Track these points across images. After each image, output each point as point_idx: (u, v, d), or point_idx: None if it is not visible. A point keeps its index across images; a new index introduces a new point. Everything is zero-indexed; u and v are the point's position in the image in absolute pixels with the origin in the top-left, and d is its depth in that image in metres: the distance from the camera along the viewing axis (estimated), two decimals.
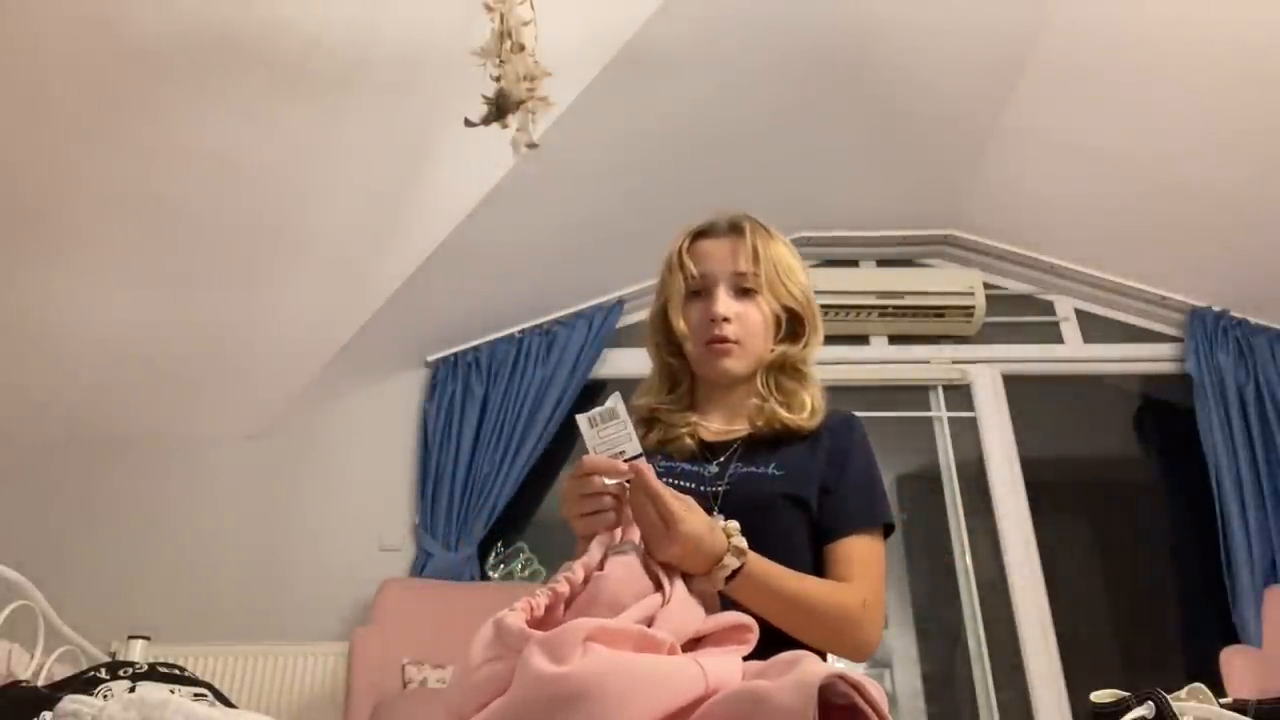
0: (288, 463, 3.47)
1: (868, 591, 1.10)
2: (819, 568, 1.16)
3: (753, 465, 1.16)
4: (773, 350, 1.23)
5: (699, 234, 1.27)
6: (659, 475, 1.16)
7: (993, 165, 3.46)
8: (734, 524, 1.02)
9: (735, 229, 1.24)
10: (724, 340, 1.19)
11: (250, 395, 3.38)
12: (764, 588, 1.02)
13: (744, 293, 1.21)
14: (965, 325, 3.74)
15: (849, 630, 1.07)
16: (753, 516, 1.10)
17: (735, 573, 0.99)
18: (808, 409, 1.20)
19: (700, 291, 1.23)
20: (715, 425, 1.23)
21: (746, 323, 1.20)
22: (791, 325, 1.24)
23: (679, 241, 1.27)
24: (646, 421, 1.25)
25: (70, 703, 0.93)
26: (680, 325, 1.23)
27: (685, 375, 1.28)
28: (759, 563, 1.02)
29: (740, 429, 1.21)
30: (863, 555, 1.14)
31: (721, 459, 1.18)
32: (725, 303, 1.19)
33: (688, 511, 0.96)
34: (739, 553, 0.99)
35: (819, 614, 1.06)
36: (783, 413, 1.18)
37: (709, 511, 1.10)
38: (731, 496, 1.13)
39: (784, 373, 1.23)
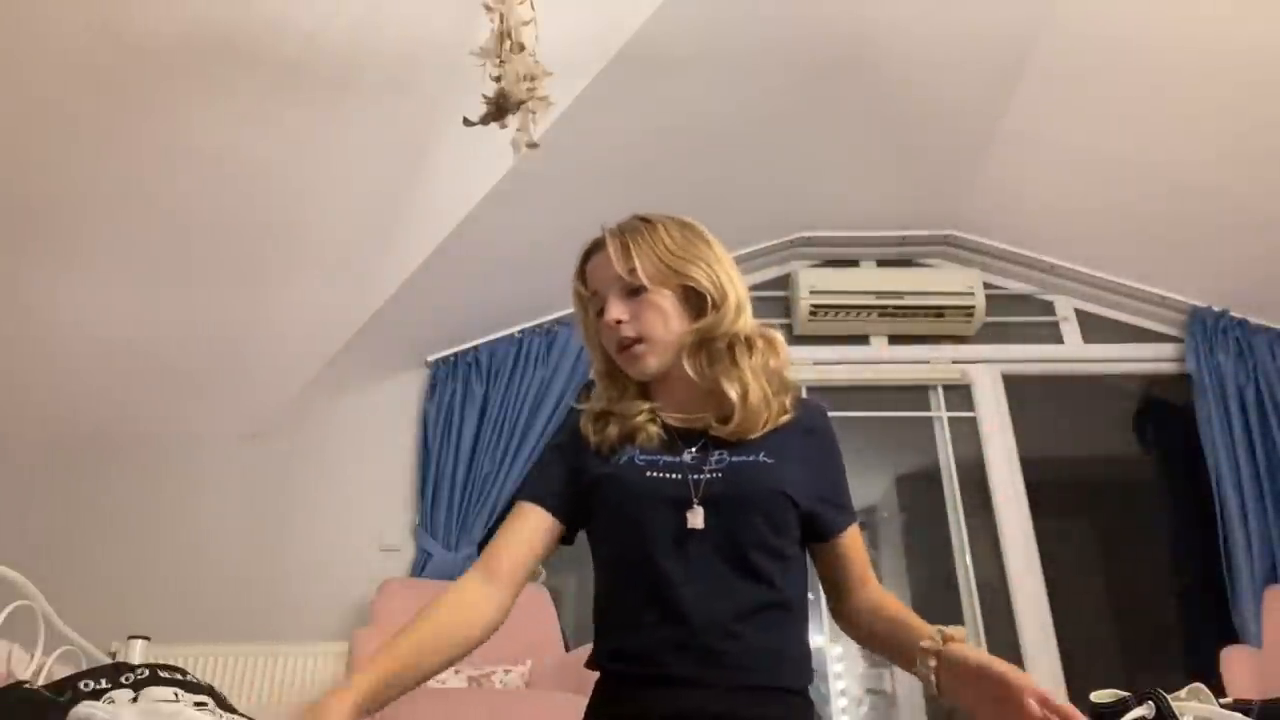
0: (287, 462, 3.47)
1: None
2: (813, 555, 1.21)
3: (739, 454, 1.15)
4: (683, 334, 1.20)
5: (585, 256, 1.29)
6: (635, 466, 1.16)
7: (993, 165, 3.46)
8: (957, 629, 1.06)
9: (610, 236, 1.24)
10: (629, 343, 1.19)
11: (250, 395, 3.38)
12: None
13: (633, 292, 1.20)
14: (965, 325, 3.74)
15: None
16: (749, 505, 1.11)
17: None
18: (741, 388, 1.17)
19: (601, 310, 1.24)
20: (675, 412, 1.22)
21: (642, 318, 1.19)
22: (700, 303, 1.21)
23: (575, 268, 1.30)
24: (599, 418, 1.23)
25: (84, 708, 0.93)
26: (590, 348, 1.29)
27: (624, 375, 1.27)
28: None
29: (701, 415, 1.19)
30: (864, 548, 1.23)
31: (694, 449, 1.17)
32: (615, 308, 1.20)
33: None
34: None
35: None
36: (734, 420, 1.16)
37: (688, 501, 1.10)
38: (722, 485, 1.12)
39: (709, 349, 1.19)
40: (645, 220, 1.25)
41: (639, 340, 1.19)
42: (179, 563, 3.24)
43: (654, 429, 1.19)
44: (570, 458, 1.23)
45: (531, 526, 1.19)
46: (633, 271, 1.19)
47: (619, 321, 1.19)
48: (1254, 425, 3.40)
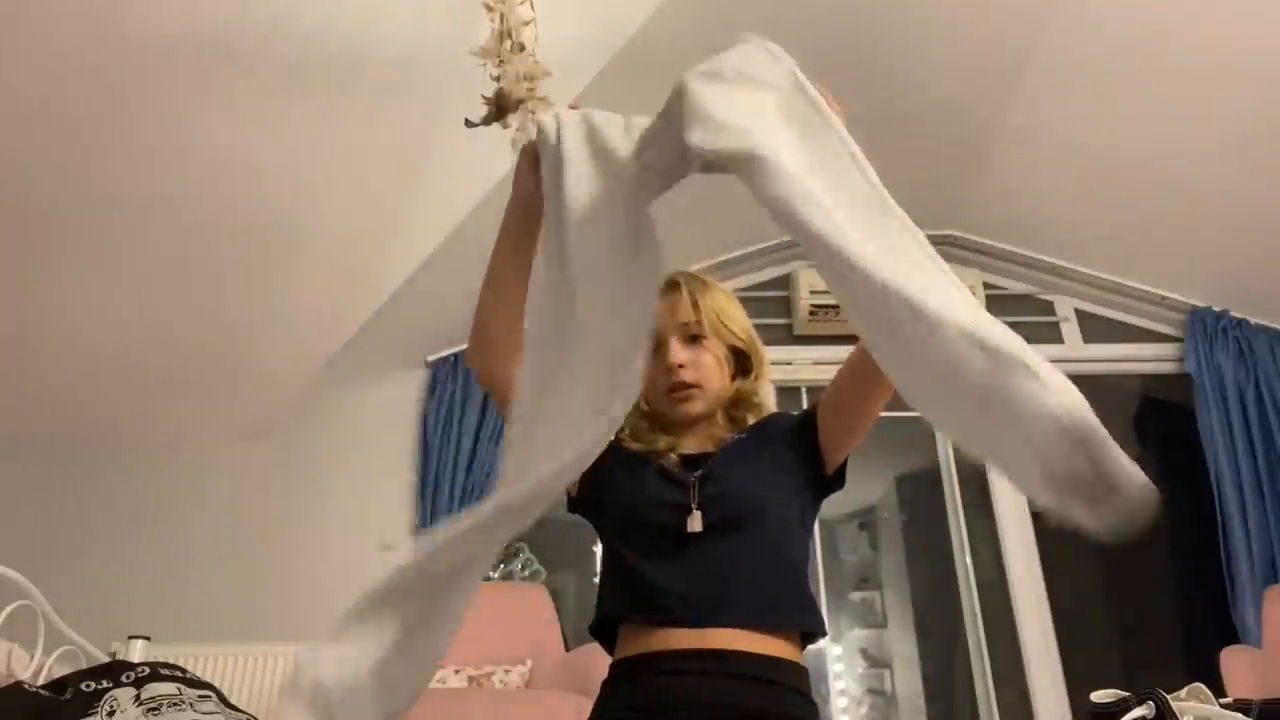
0: (288, 462, 3.47)
1: None
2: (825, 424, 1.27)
3: (736, 461, 1.24)
4: (727, 388, 1.32)
5: None
6: (645, 468, 1.25)
7: (993, 165, 3.46)
8: None
9: (673, 286, 1.33)
10: (684, 386, 1.27)
11: (250, 395, 3.38)
12: None
13: (693, 340, 1.29)
14: None
15: None
16: (746, 497, 1.19)
17: None
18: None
19: (654, 349, 1.29)
20: (690, 446, 1.31)
21: (701, 366, 1.28)
22: (740, 362, 1.34)
23: None
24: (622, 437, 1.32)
25: None
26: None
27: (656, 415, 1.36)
28: None
29: (712, 449, 1.30)
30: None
31: (698, 471, 1.25)
32: (680, 352, 1.27)
33: None
34: None
35: None
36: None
37: (688, 500, 1.18)
38: (716, 478, 1.19)
39: (739, 407, 1.33)
40: (698, 278, 1.37)
41: (696, 385, 1.27)
42: (179, 563, 3.24)
43: (673, 456, 1.27)
44: None
45: None
46: (699, 322, 1.29)
47: (681, 366, 1.27)
48: (1254, 425, 3.40)
